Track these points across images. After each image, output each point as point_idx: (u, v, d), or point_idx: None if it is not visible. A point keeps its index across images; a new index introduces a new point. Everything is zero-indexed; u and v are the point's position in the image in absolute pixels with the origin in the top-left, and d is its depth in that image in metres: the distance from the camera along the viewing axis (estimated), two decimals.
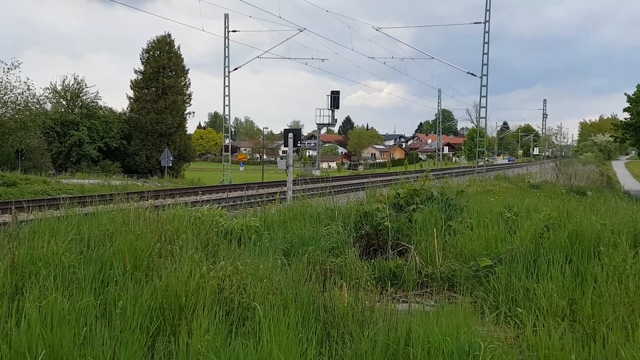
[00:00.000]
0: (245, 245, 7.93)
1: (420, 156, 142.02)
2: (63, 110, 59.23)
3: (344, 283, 6.27)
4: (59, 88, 59.61)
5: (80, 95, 60.24)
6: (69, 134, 56.56)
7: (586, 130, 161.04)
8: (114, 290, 5.74)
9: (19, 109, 46.37)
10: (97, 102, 61.17)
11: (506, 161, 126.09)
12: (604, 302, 6.13)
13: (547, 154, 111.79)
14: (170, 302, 5.57)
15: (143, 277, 6.18)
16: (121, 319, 5.14)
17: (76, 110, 59.29)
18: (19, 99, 46.29)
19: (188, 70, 65.37)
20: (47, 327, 4.81)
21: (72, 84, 60.05)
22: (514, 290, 6.81)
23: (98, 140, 58.18)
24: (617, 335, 5.31)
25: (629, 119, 46.14)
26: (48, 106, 58.94)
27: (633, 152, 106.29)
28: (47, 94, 58.81)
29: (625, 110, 46.28)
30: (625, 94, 45.84)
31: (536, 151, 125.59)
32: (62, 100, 60.03)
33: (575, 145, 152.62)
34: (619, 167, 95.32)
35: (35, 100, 52.87)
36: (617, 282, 6.56)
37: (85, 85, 60.69)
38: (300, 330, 5.22)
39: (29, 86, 47.12)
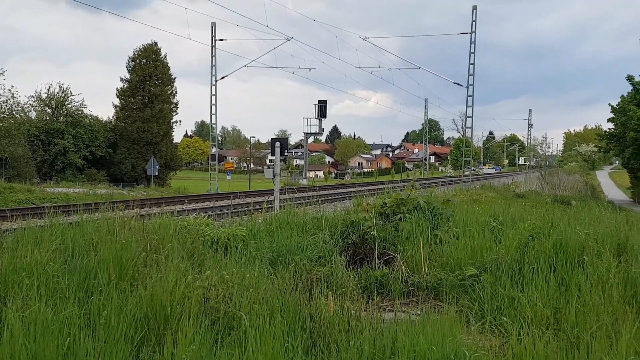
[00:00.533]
0: (232, 255, 7.91)
1: (407, 165, 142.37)
2: (48, 118, 58.85)
3: (330, 292, 6.27)
4: (44, 96, 59.30)
5: (66, 103, 59.88)
6: (53, 142, 56.18)
7: (571, 140, 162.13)
8: (98, 300, 5.70)
9: (3, 117, 46.08)
10: (82, 110, 60.89)
11: (493, 170, 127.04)
12: (587, 311, 6.17)
13: (531, 163, 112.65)
14: (155, 312, 5.54)
15: (128, 287, 6.14)
16: (105, 329, 5.10)
17: (61, 118, 58.93)
18: (3, 106, 46.07)
19: (175, 78, 65.32)
20: (30, 338, 4.77)
21: (58, 92, 59.75)
22: (499, 299, 6.84)
23: (83, 148, 57.83)
24: (601, 344, 5.35)
25: (612, 129, 46.59)
26: (33, 114, 58.66)
27: (617, 162, 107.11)
28: (32, 102, 58.54)
29: (609, 120, 46.75)
30: (610, 104, 46.31)
31: (521, 161, 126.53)
32: (47, 108, 59.64)
33: (560, 155, 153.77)
34: (603, 177, 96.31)
35: (19, 108, 52.65)
36: (600, 291, 6.60)
37: (71, 93, 60.41)
38: (286, 339, 5.22)
39: (13, 94, 46.94)
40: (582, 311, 6.18)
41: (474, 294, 7.17)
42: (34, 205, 24.01)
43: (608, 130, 48.44)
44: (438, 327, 5.36)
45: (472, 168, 63.69)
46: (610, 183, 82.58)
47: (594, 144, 67.80)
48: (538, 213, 12.29)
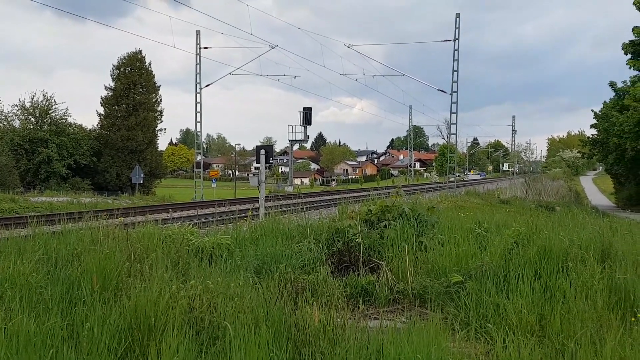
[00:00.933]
0: (217, 264, 7.88)
1: (392, 172, 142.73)
2: (31, 127, 58.34)
3: (315, 302, 6.26)
4: (27, 105, 58.78)
5: (49, 112, 59.43)
6: (37, 151, 55.71)
7: (554, 146, 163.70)
8: (81, 311, 5.65)
9: None
10: (66, 119, 60.38)
11: (478, 176, 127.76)
12: (572, 317, 6.19)
13: (515, 169, 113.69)
14: (139, 323, 5.50)
15: (112, 297, 6.09)
16: (89, 341, 5.06)
17: (45, 127, 58.46)
18: None
19: (159, 86, 64.99)
20: (12, 350, 4.72)
21: (41, 101, 59.25)
22: (484, 306, 6.85)
23: (67, 157, 57.39)
24: (586, 350, 5.38)
25: (595, 135, 47.08)
26: (16, 123, 58.15)
27: (600, 167, 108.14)
28: (15, 111, 58.07)
29: (592, 126, 47.29)
30: (592, 110, 46.91)
31: (506, 167, 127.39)
32: (30, 117, 59.14)
33: (544, 161, 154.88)
34: (587, 183, 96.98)
35: (3, 117, 52.31)
36: (585, 298, 6.64)
37: (55, 102, 59.92)
38: (272, 349, 5.20)
39: None
40: (567, 318, 6.20)
41: (459, 301, 7.18)
42: (17, 215, 23.82)
43: (591, 136, 48.96)
44: (423, 335, 5.36)
45: (457, 174, 63.96)
46: (594, 189, 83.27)
47: (577, 150, 68.48)
48: (522, 219, 12.35)
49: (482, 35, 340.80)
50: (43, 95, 59.47)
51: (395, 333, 5.58)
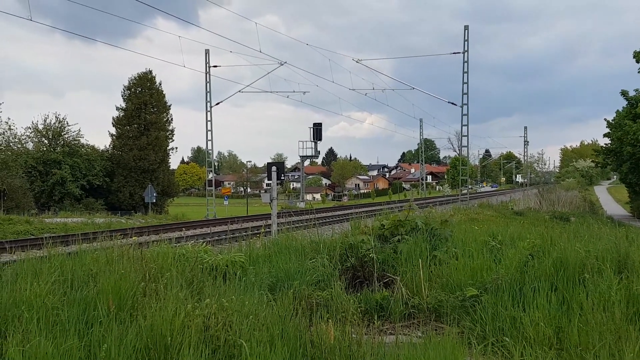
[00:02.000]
0: (231, 281, 7.88)
1: (404, 185, 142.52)
2: (45, 149, 58.93)
3: (330, 319, 6.24)
4: (40, 127, 59.40)
5: (62, 133, 60.02)
6: (51, 172, 56.18)
7: (567, 156, 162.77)
8: (98, 332, 5.67)
9: (1, 149, 46.11)
10: (79, 140, 60.98)
11: (490, 188, 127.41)
12: (590, 329, 6.14)
13: (526, 180, 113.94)
14: (155, 342, 5.51)
15: (127, 317, 6.10)
16: None
17: (58, 148, 59.02)
18: (0, 139, 46.08)
19: (170, 106, 65.48)
20: None
21: (54, 123, 59.89)
22: (500, 319, 6.81)
23: (81, 178, 57.84)
24: None
25: (609, 144, 46.74)
26: (30, 145, 58.74)
27: (615, 177, 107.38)
28: (28, 133, 58.68)
29: (605, 135, 46.91)
30: (605, 119, 46.53)
31: (519, 178, 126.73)
32: (43, 139, 59.76)
33: (557, 171, 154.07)
34: (602, 192, 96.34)
35: (17, 140, 52.77)
36: (602, 310, 6.58)
37: (67, 123, 60.53)
38: None
39: (10, 126, 47.05)
40: (585, 330, 6.15)
41: (475, 314, 7.14)
42: (32, 237, 23.96)
43: (605, 146, 48.62)
44: (440, 350, 5.33)
45: (470, 187, 63.70)
46: (608, 198, 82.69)
47: (591, 160, 67.96)
48: (537, 231, 12.28)
49: (489, 47, 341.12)
50: (55, 117, 60.18)
51: (411, 348, 5.56)
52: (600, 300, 6.87)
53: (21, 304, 6.08)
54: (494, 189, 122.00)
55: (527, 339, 6.14)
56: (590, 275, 7.76)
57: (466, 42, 42.28)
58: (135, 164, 60.25)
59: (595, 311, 6.54)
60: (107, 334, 5.54)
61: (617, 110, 45.58)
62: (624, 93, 43.10)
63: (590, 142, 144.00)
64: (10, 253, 9.70)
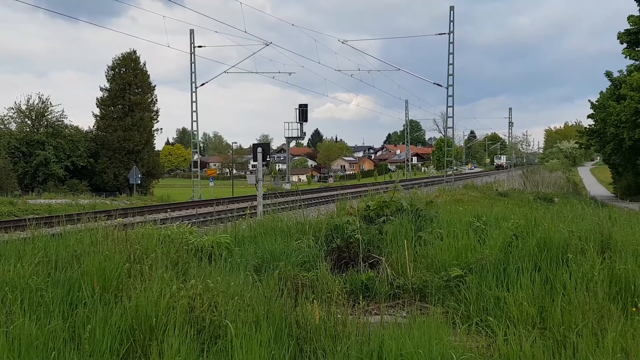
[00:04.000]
0: (216, 263, 7.87)
1: (389, 167, 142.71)
2: (28, 129, 58.32)
3: (315, 299, 6.26)
4: (23, 107, 58.73)
5: (46, 114, 59.40)
6: (34, 153, 55.65)
7: (551, 137, 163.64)
8: (82, 313, 5.65)
9: None
10: (62, 120, 60.37)
11: (474, 169, 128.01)
12: (573, 309, 6.20)
13: (504, 162, 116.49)
14: (140, 323, 5.50)
15: (112, 299, 6.09)
16: (90, 342, 5.07)
17: (41, 129, 58.44)
18: None
19: (155, 86, 64.83)
20: (14, 353, 4.73)
21: (37, 103, 59.23)
22: (484, 299, 6.85)
23: (65, 159, 57.34)
24: (587, 341, 5.39)
25: (593, 126, 47.05)
26: (13, 126, 58.15)
27: (598, 157, 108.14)
28: (11, 114, 58.05)
29: (589, 117, 47.24)
30: (589, 100, 46.85)
31: (503, 159, 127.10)
32: (27, 119, 59.13)
33: (541, 152, 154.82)
34: (585, 173, 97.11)
35: None
36: (585, 289, 6.64)
37: (51, 104, 59.89)
38: (273, 347, 5.20)
39: None
40: (568, 309, 6.20)
41: (459, 294, 7.18)
42: (16, 218, 23.82)
43: (588, 127, 48.94)
44: (424, 330, 5.36)
45: (455, 168, 63.95)
46: (592, 179, 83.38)
47: (574, 141, 68.38)
48: (521, 212, 12.36)
49: (477, 27, 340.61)
50: (39, 97, 59.50)
51: (396, 328, 5.59)
52: (583, 280, 6.93)
53: (4, 285, 6.05)
54: (469, 171, 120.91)
55: (511, 319, 6.19)
56: (573, 256, 7.83)
57: (452, 23, 42.27)
58: (120, 145, 59.77)
59: (578, 291, 6.60)
60: (91, 315, 5.52)
61: (601, 92, 45.89)
62: (608, 74, 43.32)
63: (574, 123, 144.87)
64: None
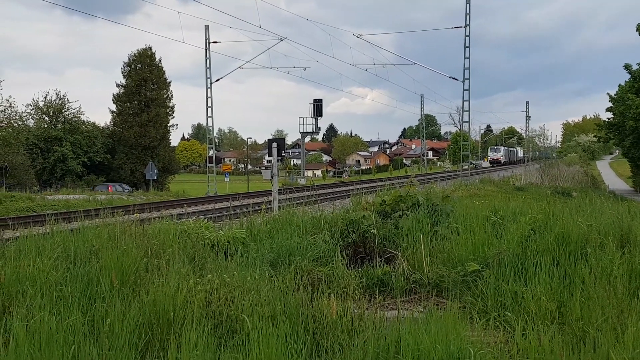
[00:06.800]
0: (232, 257, 7.89)
1: (404, 162, 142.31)
2: (46, 126, 58.91)
3: (331, 293, 6.26)
4: (41, 104, 59.39)
5: (63, 110, 59.96)
6: (52, 149, 56.20)
7: (569, 131, 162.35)
8: (101, 307, 5.69)
9: (2, 126, 46.10)
10: (79, 117, 60.99)
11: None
12: (592, 304, 6.14)
13: (527, 156, 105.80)
14: (158, 317, 5.53)
15: (130, 293, 6.13)
16: (109, 336, 5.10)
17: (59, 125, 58.99)
18: (1, 116, 46.06)
19: (170, 82, 65.27)
20: (35, 347, 4.77)
21: (55, 100, 59.84)
22: (502, 294, 6.81)
23: (82, 155, 57.86)
24: (607, 337, 5.33)
25: (611, 119, 46.58)
26: (31, 123, 58.74)
27: (617, 151, 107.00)
28: (29, 111, 58.61)
29: (607, 110, 46.77)
30: (608, 93, 46.37)
31: (520, 153, 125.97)
32: (44, 116, 59.73)
33: (559, 146, 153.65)
34: (604, 167, 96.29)
35: (17, 117, 52.62)
36: (605, 284, 6.58)
37: (68, 100, 60.49)
38: (290, 341, 5.20)
39: (11, 104, 46.94)
40: (587, 304, 6.15)
41: (476, 289, 7.14)
42: (35, 213, 24.05)
43: (607, 120, 48.45)
44: (441, 325, 5.34)
45: (471, 162, 63.55)
46: (611, 173, 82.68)
47: (593, 134, 67.71)
48: (539, 206, 12.26)
49: (492, 20, 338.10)
50: (56, 94, 60.13)
51: (413, 323, 5.57)
52: (603, 275, 6.87)
53: (25, 279, 6.10)
54: (485, 165, 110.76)
55: (529, 314, 6.15)
56: (592, 250, 7.76)
57: (468, 17, 41.97)
58: (136, 141, 60.20)
59: (598, 285, 6.54)
60: (110, 309, 5.56)
61: (620, 85, 45.38)
62: (627, 67, 42.78)
63: (593, 116, 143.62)
64: (13, 230, 9.68)
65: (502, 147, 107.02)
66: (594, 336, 5.41)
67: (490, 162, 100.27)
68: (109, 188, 48.34)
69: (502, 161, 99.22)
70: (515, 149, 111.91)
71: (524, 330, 5.56)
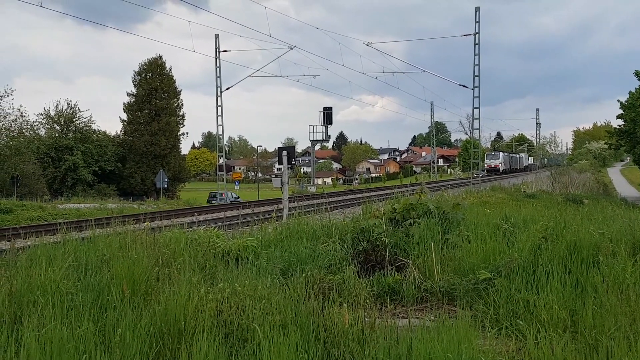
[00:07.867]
0: (243, 266, 7.89)
1: (414, 169, 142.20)
2: (57, 135, 59.22)
3: (342, 302, 6.24)
4: (52, 113, 59.74)
5: (74, 119, 60.30)
6: (63, 158, 56.51)
7: (580, 138, 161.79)
8: (112, 317, 5.69)
9: (13, 135, 46.37)
10: (90, 126, 61.31)
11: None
12: (605, 312, 6.10)
13: (537, 163, 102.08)
14: (169, 327, 5.53)
15: (141, 302, 6.13)
16: (120, 346, 5.10)
17: (70, 135, 59.32)
18: (12, 125, 46.33)
19: (180, 91, 65.57)
20: (46, 356, 4.78)
21: (66, 109, 60.17)
22: (514, 302, 6.77)
23: (93, 164, 58.13)
24: (620, 345, 5.29)
25: (622, 126, 46.38)
26: (42, 132, 58.97)
27: (628, 158, 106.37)
28: (40, 120, 58.92)
29: (618, 117, 46.56)
30: (619, 100, 46.17)
31: (531, 160, 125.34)
32: (55, 125, 60.08)
33: (570, 153, 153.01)
34: (615, 174, 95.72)
35: (29, 127, 52.92)
36: (617, 292, 6.53)
37: (79, 109, 60.83)
38: (301, 350, 5.19)
39: (22, 113, 47.23)
40: (600, 313, 6.10)
41: (488, 298, 7.11)
42: (46, 222, 24.13)
43: (618, 127, 48.24)
44: (453, 334, 5.32)
45: (482, 171, 63.35)
46: (622, 180, 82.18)
47: (604, 141, 67.44)
48: (550, 213, 12.21)
49: (501, 27, 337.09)
50: (67, 103, 60.51)
51: (424, 332, 5.54)
52: (615, 283, 6.83)
53: (36, 289, 6.12)
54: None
55: (541, 322, 6.11)
56: (604, 258, 7.71)
57: (477, 24, 41.88)
58: (147, 150, 60.44)
59: (610, 294, 6.50)
60: (121, 319, 5.56)
61: (631, 91, 45.18)
62: (637, 73, 42.64)
63: (604, 123, 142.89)
64: (25, 239, 9.73)
65: (501, 153, 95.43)
66: (606, 345, 5.36)
67: (487, 171, 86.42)
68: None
69: (500, 169, 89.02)
70: (517, 155, 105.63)
71: (537, 339, 5.53)
